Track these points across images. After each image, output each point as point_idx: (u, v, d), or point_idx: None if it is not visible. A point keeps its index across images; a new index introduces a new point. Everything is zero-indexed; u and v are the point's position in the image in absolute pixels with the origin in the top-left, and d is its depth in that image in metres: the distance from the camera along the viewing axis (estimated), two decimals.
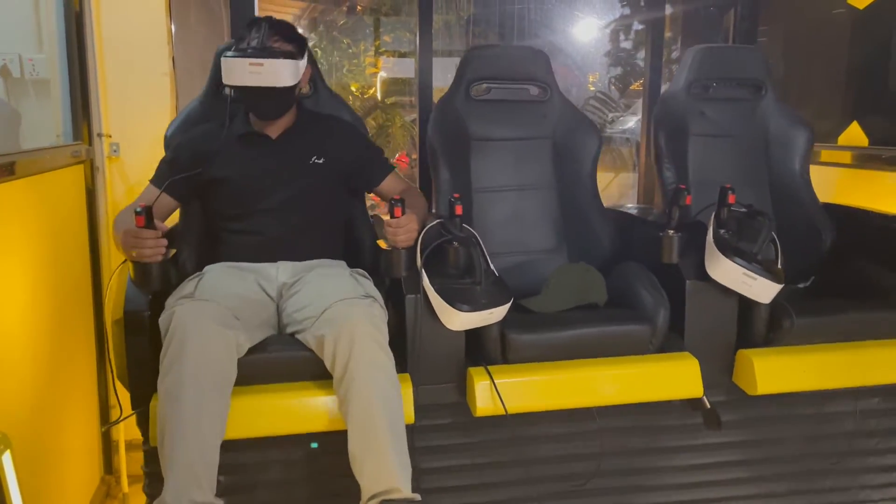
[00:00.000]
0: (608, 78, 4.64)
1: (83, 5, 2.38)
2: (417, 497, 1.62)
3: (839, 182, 2.81)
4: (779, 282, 1.86)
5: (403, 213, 1.81)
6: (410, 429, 1.71)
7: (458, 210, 1.83)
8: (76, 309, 2.30)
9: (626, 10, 4.50)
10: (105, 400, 2.46)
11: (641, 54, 4.21)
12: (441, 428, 1.89)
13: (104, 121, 2.51)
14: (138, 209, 1.70)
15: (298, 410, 1.72)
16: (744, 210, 2.01)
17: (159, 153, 2.09)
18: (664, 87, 3.18)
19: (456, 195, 1.86)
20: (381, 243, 1.94)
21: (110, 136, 2.53)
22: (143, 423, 1.70)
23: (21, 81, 2.47)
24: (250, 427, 1.69)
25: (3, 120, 2.39)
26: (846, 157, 2.85)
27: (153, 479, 1.73)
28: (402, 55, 5.49)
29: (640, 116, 3.72)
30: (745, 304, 1.97)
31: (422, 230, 1.86)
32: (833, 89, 3.06)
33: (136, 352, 1.69)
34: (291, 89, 1.94)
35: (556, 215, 2.41)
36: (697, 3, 3.28)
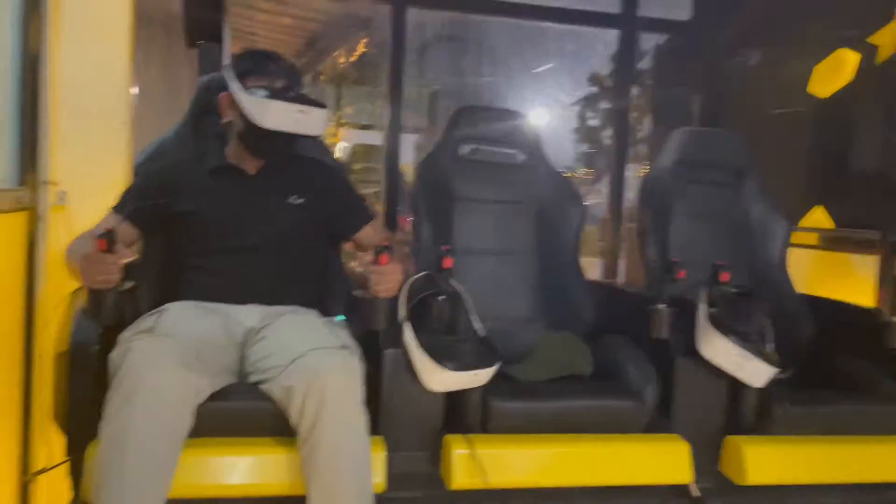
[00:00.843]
0: (575, 154, 4.71)
1: (41, 48, 2.25)
2: None
3: (808, 264, 2.82)
4: (774, 365, 1.79)
5: (390, 262, 1.69)
6: (379, 499, 1.54)
7: (448, 262, 1.73)
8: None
9: (594, 89, 4.62)
10: (26, 450, 2.19)
11: (608, 132, 4.28)
12: (412, 502, 1.71)
13: (52, 167, 2.33)
14: (101, 233, 1.55)
15: (254, 469, 1.54)
16: (734, 290, 1.95)
17: (110, 203, 1.94)
18: (631, 166, 3.23)
19: (446, 247, 1.75)
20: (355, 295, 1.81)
21: (57, 185, 2.36)
22: (76, 473, 1.49)
23: None
24: (198, 486, 1.50)
25: None
26: (813, 238, 2.88)
27: None
28: (364, 128, 5.47)
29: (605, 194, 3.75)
30: (733, 388, 1.88)
31: (405, 281, 1.74)
32: (797, 174, 3.12)
33: (79, 388, 1.51)
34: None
35: (536, 283, 2.32)
36: (665, 86, 3.36)
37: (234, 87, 1.74)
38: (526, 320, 2.27)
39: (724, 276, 1.90)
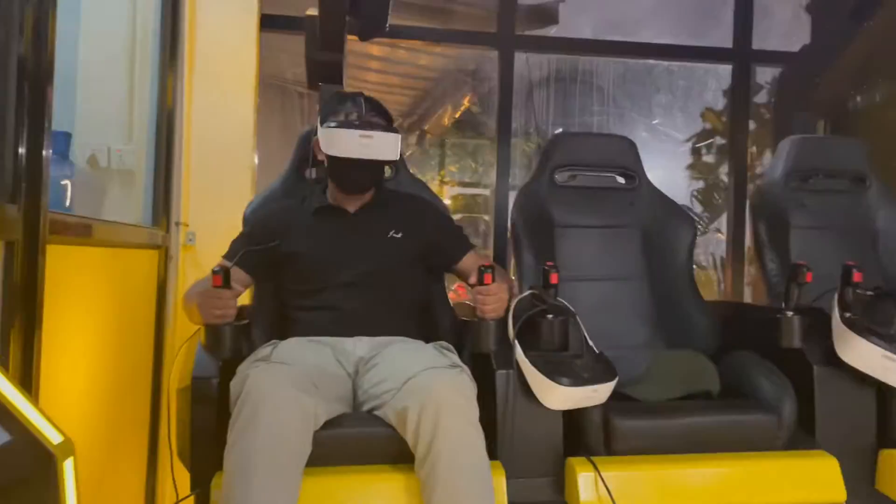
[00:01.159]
0: (690, 191, 4.56)
1: (175, 99, 2.47)
2: None
3: None
4: None
5: (493, 281, 1.66)
6: None
7: (554, 279, 1.69)
8: (133, 389, 2.17)
9: (707, 125, 4.51)
10: (153, 488, 2.25)
11: (723, 168, 4.15)
12: None
13: (183, 210, 2.53)
14: (216, 269, 1.61)
15: (375, 495, 1.50)
16: (870, 293, 1.80)
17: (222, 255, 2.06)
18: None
19: (549, 263, 1.71)
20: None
21: (188, 226, 2.54)
22: None
23: (107, 171, 2.52)
24: None
25: (88, 189, 2.41)
26: None
27: None
28: (467, 185, 5.53)
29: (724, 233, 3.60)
30: (882, 398, 1.71)
31: (511, 301, 1.71)
32: None
33: (201, 422, 1.53)
34: (384, 164, 1.88)
35: (649, 307, 2.22)
36: (787, 113, 3.24)
37: (319, 126, 1.81)
38: (643, 346, 2.17)
39: (857, 277, 1.75)
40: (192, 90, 2.56)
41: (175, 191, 2.48)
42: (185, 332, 2.29)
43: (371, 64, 4.97)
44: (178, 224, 2.49)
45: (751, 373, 1.79)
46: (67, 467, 0.79)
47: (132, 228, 2.23)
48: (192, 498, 1.53)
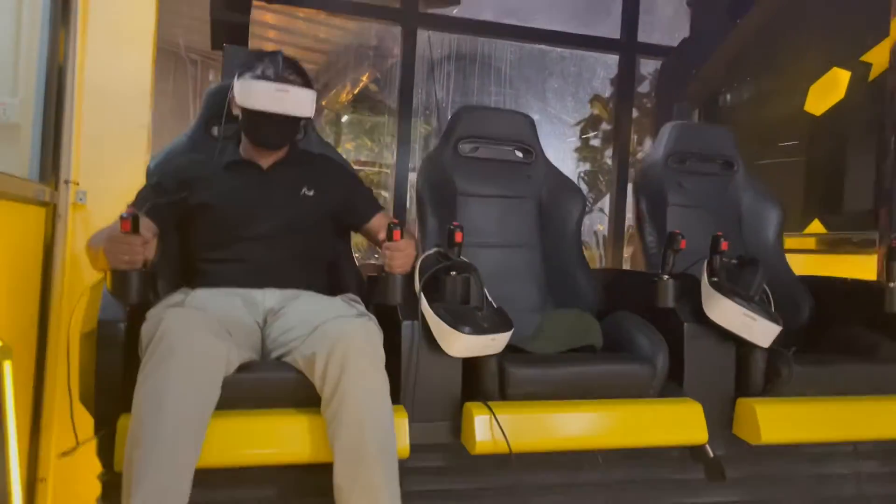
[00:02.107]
0: (577, 173, 4.82)
1: (67, 54, 2.36)
2: None
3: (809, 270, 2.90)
4: (778, 324, 1.85)
5: (402, 237, 1.75)
6: (402, 468, 1.56)
7: (458, 237, 1.79)
8: (14, 349, 2.10)
9: (595, 111, 4.77)
10: (36, 446, 2.20)
11: (608, 152, 4.42)
12: (434, 471, 1.74)
13: (74, 168, 2.42)
14: (125, 214, 1.60)
15: (282, 437, 1.56)
16: (734, 261, 2.02)
17: (127, 203, 2.01)
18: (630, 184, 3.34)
19: (455, 223, 1.82)
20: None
21: (78, 184, 2.45)
22: (106, 448, 1.51)
23: None
24: (224, 455, 1.52)
25: None
26: (811, 243, 2.97)
27: None
28: (363, 164, 5.57)
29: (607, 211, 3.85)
30: (741, 354, 1.94)
31: (417, 257, 1.80)
32: (794, 189, 3.23)
33: (107, 365, 1.53)
34: (299, 121, 1.91)
35: (541, 273, 2.38)
36: (667, 103, 3.50)
37: (236, 79, 1.83)
38: (533, 309, 2.32)
39: (724, 246, 1.96)
40: (86, 45, 2.45)
41: (65, 148, 2.36)
42: (74, 295, 2.23)
43: (269, 34, 4.90)
44: (67, 182, 2.39)
45: (629, 330, 1.97)
46: (6, 368, 0.81)
47: (15, 180, 2.12)
48: (94, 441, 1.53)
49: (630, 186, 3.49)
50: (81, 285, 2.02)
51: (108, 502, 1.53)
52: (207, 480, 1.47)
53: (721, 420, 1.90)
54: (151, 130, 2.58)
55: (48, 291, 2.29)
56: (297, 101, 1.81)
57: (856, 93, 2.98)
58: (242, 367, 1.59)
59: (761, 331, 1.84)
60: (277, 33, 4.84)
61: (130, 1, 2.50)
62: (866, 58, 2.92)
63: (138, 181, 2.38)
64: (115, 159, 2.47)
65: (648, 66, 4.04)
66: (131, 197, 2.00)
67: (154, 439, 1.36)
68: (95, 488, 1.58)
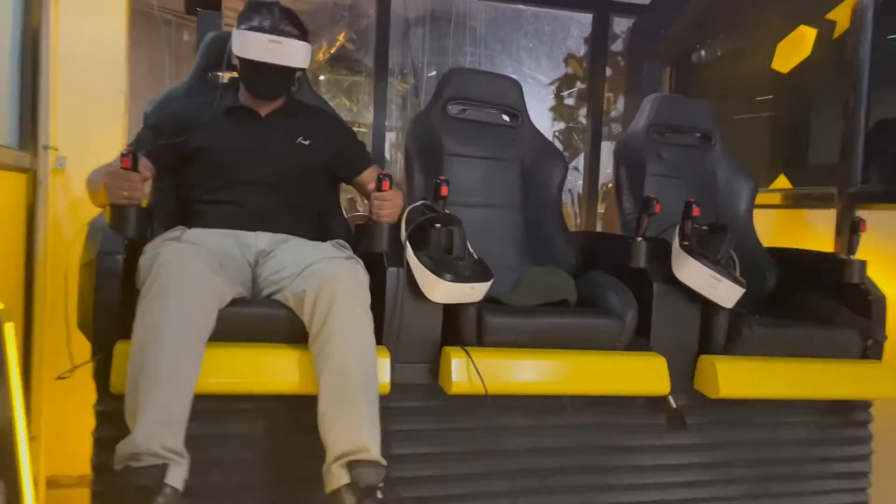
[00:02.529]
0: (552, 132, 4.90)
1: (42, 21, 2.36)
2: (384, 462, 1.56)
3: (773, 223, 3.03)
4: (742, 286, 1.96)
5: (391, 188, 1.83)
6: (382, 408, 1.66)
7: (444, 191, 1.88)
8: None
9: (569, 70, 4.83)
10: (27, 411, 2.26)
11: (583, 111, 4.49)
12: (412, 411, 1.84)
13: (52, 134, 2.44)
14: (125, 151, 1.67)
15: (271, 369, 1.65)
16: (705, 228, 2.13)
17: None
18: (606, 144, 3.44)
19: (442, 177, 1.90)
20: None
21: (57, 150, 2.46)
22: (102, 372, 1.60)
23: None
24: (217, 383, 1.60)
25: None
26: (776, 198, 3.10)
27: (103, 447, 1.60)
28: None
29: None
30: (706, 314, 2.05)
31: (404, 208, 1.89)
32: (762, 145, 3.35)
33: (105, 293, 1.61)
34: (294, 72, 1.97)
35: (521, 234, 2.47)
36: (638, 61, 3.56)
37: (234, 29, 1.89)
38: (512, 268, 2.42)
39: (696, 211, 2.06)
40: (59, 11, 2.44)
41: (42, 113, 2.36)
42: (57, 258, 2.28)
43: None
44: (46, 148, 2.40)
45: (602, 287, 2.08)
46: (9, 329, 0.89)
47: None
48: (91, 364, 1.62)
49: (605, 146, 3.60)
50: (64, 247, 2.06)
51: (103, 433, 1.62)
52: (201, 414, 1.56)
53: (684, 374, 2.02)
54: (128, 95, 2.61)
55: (32, 255, 2.33)
56: (290, 52, 1.87)
57: (821, 50, 3.06)
58: (235, 302, 1.68)
59: (725, 292, 1.95)
60: None
61: None
62: (831, 15, 2.99)
63: (117, 145, 2.43)
64: (93, 124, 2.49)
65: (622, 25, 4.06)
66: (111, 161, 2.05)
67: (156, 365, 1.44)
68: (85, 445, 1.65)
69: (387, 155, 3.96)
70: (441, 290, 1.76)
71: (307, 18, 5.26)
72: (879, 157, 2.69)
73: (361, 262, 1.78)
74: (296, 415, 1.69)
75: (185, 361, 1.48)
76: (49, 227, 2.38)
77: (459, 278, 1.76)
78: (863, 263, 2.22)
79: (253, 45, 1.86)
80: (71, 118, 2.46)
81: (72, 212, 2.43)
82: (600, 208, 3.65)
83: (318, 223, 2.09)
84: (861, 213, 2.43)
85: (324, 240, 1.99)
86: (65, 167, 2.46)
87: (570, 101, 4.95)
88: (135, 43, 2.75)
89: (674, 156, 2.71)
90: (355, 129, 5.52)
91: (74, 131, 2.47)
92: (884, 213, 2.47)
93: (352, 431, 1.54)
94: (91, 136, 2.48)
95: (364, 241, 1.88)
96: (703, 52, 3.73)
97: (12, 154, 2.18)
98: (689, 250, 1.97)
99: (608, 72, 3.85)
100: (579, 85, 4.79)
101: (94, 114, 2.50)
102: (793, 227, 2.96)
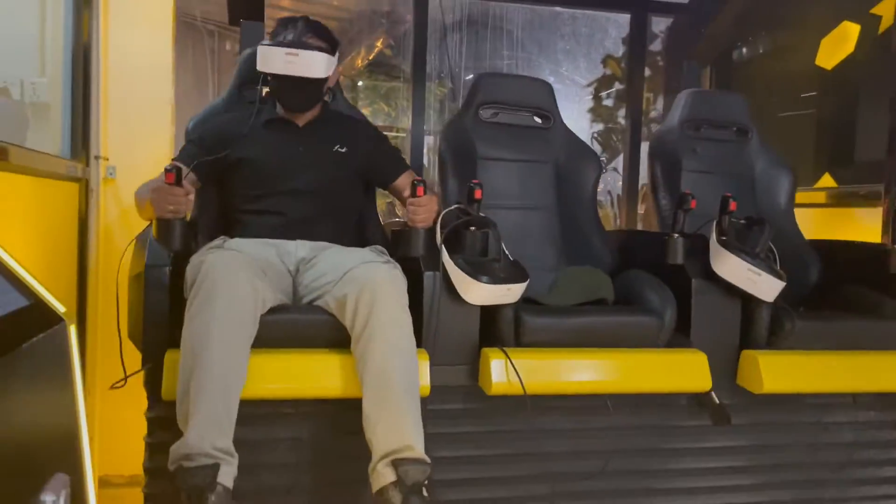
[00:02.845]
0: (591, 134, 4.89)
1: (91, 34, 2.46)
2: (428, 460, 1.59)
3: (818, 222, 2.98)
4: (782, 279, 1.94)
5: (425, 193, 1.86)
6: (423, 410, 1.68)
7: (478, 194, 1.89)
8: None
9: (608, 71, 4.82)
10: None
11: (622, 112, 4.48)
12: (453, 414, 1.86)
13: (103, 144, 2.54)
14: (168, 167, 1.73)
15: (315, 374, 1.69)
16: (743, 222, 2.11)
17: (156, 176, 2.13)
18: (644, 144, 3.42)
19: (476, 181, 1.92)
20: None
21: (108, 160, 2.56)
22: (153, 380, 1.65)
23: (20, 104, 2.50)
24: (264, 389, 1.65)
25: (10, 117, 2.40)
26: (821, 197, 3.05)
27: (155, 451, 1.66)
28: (381, 129, 5.66)
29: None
30: (747, 308, 2.03)
31: (439, 214, 1.92)
32: (806, 143, 3.29)
33: (154, 305, 1.67)
34: (321, 83, 2.01)
35: (558, 235, 2.48)
36: (677, 61, 3.54)
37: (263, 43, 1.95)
38: (550, 269, 2.43)
39: (733, 206, 2.04)
40: (108, 24, 2.54)
41: (94, 125, 2.47)
42: (108, 264, 2.37)
43: (283, 2, 4.98)
44: (97, 158, 2.50)
45: (640, 285, 2.08)
46: (72, 331, 0.94)
47: (50, 158, 2.23)
48: (142, 372, 1.68)
49: (644, 146, 3.58)
50: (115, 253, 2.14)
51: (154, 438, 1.68)
52: (250, 418, 1.62)
53: (726, 370, 2.00)
54: (174, 104, 2.70)
55: (85, 261, 2.43)
56: (307, 64, 1.91)
57: (866, 46, 3.01)
58: (277, 309, 1.73)
59: (765, 286, 1.93)
60: (292, 2, 4.92)
61: None
62: (876, 10, 2.94)
63: (165, 154, 2.52)
64: (141, 134, 2.59)
65: (661, 25, 4.04)
66: (159, 170, 2.11)
67: (206, 368, 1.50)
68: (135, 446, 1.72)
69: (425, 160, 4.01)
70: (477, 292, 1.78)
71: (346, 26, 5.34)
72: None
73: (399, 266, 1.81)
74: (341, 418, 1.73)
75: (232, 363, 1.54)
76: (101, 234, 2.48)
77: (495, 280, 1.78)
78: None
79: (270, 60, 1.91)
80: (120, 128, 2.57)
81: (122, 219, 2.53)
82: (640, 209, 3.63)
83: (357, 230, 2.13)
84: None
85: (362, 246, 2.03)
86: (115, 176, 2.56)
87: (608, 103, 4.93)
88: (179, 54, 2.84)
89: (709, 151, 2.69)
90: (393, 133, 5.60)
91: (124, 141, 2.57)
92: None
93: (395, 430, 1.57)
94: (139, 146, 2.58)
95: (401, 246, 1.91)
96: (744, 50, 3.68)
97: (65, 164, 2.28)
98: (726, 245, 1.96)
99: (647, 72, 3.83)
100: (618, 86, 4.77)
101: (142, 124, 2.60)
102: (839, 226, 2.91)
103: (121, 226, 2.54)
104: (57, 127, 2.44)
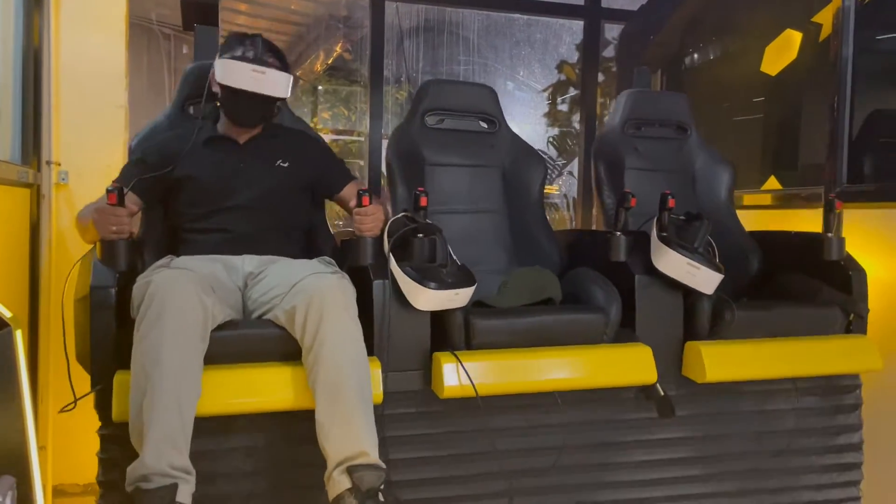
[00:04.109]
0: (547, 138, 4.98)
1: (42, 37, 2.44)
2: (383, 465, 1.61)
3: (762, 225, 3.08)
4: (720, 272, 2.01)
5: (371, 203, 1.89)
6: (377, 415, 1.71)
7: (424, 202, 1.93)
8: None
9: (563, 76, 4.91)
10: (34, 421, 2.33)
11: (577, 116, 4.57)
12: (407, 417, 1.89)
13: (55, 149, 2.52)
14: (111, 187, 1.73)
15: (266, 387, 1.71)
16: (682, 217, 2.18)
17: (108, 182, 2.12)
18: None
19: (420, 189, 1.95)
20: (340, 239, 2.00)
21: (60, 165, 2.54)
22: (103, 401, 1.65)
23: None
24: (216, 404, 1.66)
25: None
26: (766, 199, 3.15)
27: (108, 466, 1.66)
28: (340, 132, 5.67)
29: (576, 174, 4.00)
30: (689, 301, 2.10)
31: (386, 223, 1.94)
32: (752, 147, 3.40)
33: (101, 326, 1.66)
34: (275, 102, 2.03)
35: (506, 237, 2.53)
36: (629, 67, 3.63)
37: (217, 58, 1.95)
38: (500, 271, 2.47)
39: (672, 203, 2.11)
40: (60, 27, 2.53)
41: (45, 129, 2.45)
42: (61, 271, 2.35)
43: (240, 6, 4.96)
44: (49, 163, 2.48)
45: (586, 283, 2.13)
46: (18, 336, 0.95)
47: (0, 164, 2.23)
48: (92, 394, 1.67)
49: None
50: (68, 260, 2.13)
51: (107, 454, 1.68)
52: (205, 431, 1.63)
53: (671, 362, 2.07)
54: (128, 109, 2.69)
55: (37, 268, 2.41)
56: (273, 83, 1.93)
57: (808, 53, 3.12)
58: (226, 325, 1.73)
59: (704, 279, 2.00)
60: (249, 6, 4.91)
61: None
62: (817, 18, 3.06)
63: (118, 160, 2.50)
64: (94, 139, 2.58)
65: (613, 31, 4.15)
66: (112, 175, 2.11)
67: (158, 387, 1.50)
68: (91, 453, 1.71)
69: (384, 163, 4.03)
70: (426, 298, 1.81)
71: (303, 31, 5.33)
72: (864, 156, 2.74)
73: (347, 276, 1.83)
74: (297, 429, 1.74)
75: (186, 379, 1.54)
76: (53, 240, 2.46)
77: (443, 285, 1.81)
78: (841, 241, 2.26)
79: (236, 74, 1.92)
80: (72, 133, 2.55)
81: (75, 225, 2.50)
82: (595, 211, 3.70)
83: (305, 242, 2.14)
84: (848, 212, 2.46)
85: (312, 257, 2.05)
86: (67, 181, 2.54)
87: (563, 107, 5.03)
88: (134, 57, 2.83)
89: (651, 149, 2.76)
90: (353, 137, 5.62)
91: (76, 146, 2.55)
92: (869, 212, 2.52)
93: (349, 437, 1.60)
94: (92, 151, 2.56)
95: (350, 255, 1.93)
96: (695, 56, 3.79)
97: (15, 169, 2.25)
98: (666, 241, 2.02)
99: (601, 77, 3.91)
100: (573, 91, 4.87)
101: (94, 128, 2.58)
102: (782, 228, 3.00)
103: (73, 232, 2.50)
104: (7, 132, 2.42)
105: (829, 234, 2.26)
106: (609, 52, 4.33)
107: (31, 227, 2.40)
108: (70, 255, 2.41)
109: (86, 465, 1.82)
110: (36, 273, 2.41)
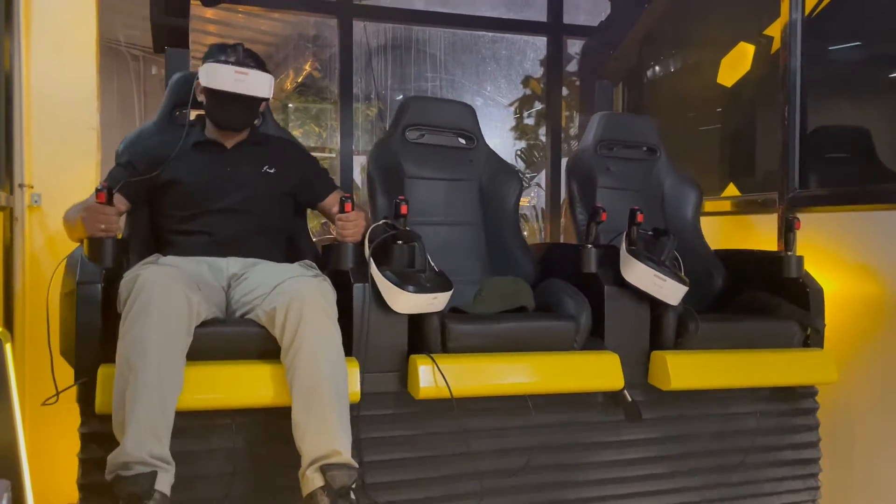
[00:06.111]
0: (514, 151, 5.11)
1: (13, 61, 2.44)
2: (356, 464, 1.66)
3: (722, 229, 3.20)
4: (685, 284, 2.11)
5: (353, 209, 1.96)
6: (353, 416, 1.77)
7: (404, 209, 2.00)
8: None
9: (528, 91, 5.05)
10: None
11: (543, 129, 4.70)
12: (383, 419, 1.94)
13: (27, 171, 2.51)
14: (99, 186, 1.78)
15: (246, 384, 1.75)
16: (650, 233, 2.28)
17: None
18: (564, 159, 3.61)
19: (401, 197, 2.03)
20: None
21: (32, 187, 2.54)
22: (87, 394, 1.69)
23: None
24: (197, 399, 1.70)
25: None
26: (725, 205, 3.29)
27: (89, 467, 1.69)
28: (312, 150, 5.74)
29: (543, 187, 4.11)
30: (656, 312, 2.19)
31: (367, 229, 2.01)
32: (711, 155, 3.54)
33: (86, 321, 1.70)
34: (259, 104, 2.10)
35: (482, 249, 2.61)
36: (591, 81, 3.76)
37: (201, 65, 2.02)
38: (475, 282, 2.55)
39: (640, 218, 2.21)
40: (31, 50, 2.53)
41: (17, 152, 2.44)
42: (35, 292, 2.36)
43: (209, 28, 5.02)
44: (21, 186, 2.47)
45: (557, 293, 2.22)
46: (8, 350, 1.00)
47: None
48: (75, 388, 1.71)
49: (564, 162, 3.77)
50: (42, 281, 2.13)
51: (87, 455, 1.71)
52: (185, 430, 1.67)
53: (638, 370, 2.15)
54: (100, 130, 2.71)
55: (11, 289, 2.41)
56: (256, 83, 2.00)
57: (761, 64, 3.27)
58: (209, 322, 1.78)
59: (671, 291, 2.10)
60: (218, 27, 4.97)
61: (71, 5, 2.56)
62: (768, 31, 3.21)
63: (91, 181, 2.52)
64: (66, 161, 2.57)
65: (576, 46, 4.27)
66: (85, 196, 2.11)
67: (142, 378, 1.55)
68: (69, 474, 1.74)
69: (356, 177, 4.10)
70: (404, 302, 1.87)
71: (272, 50, 5.40)
72: (815, 162, 2.88)
73: (328, 279, 1.89)
74: (275, 427, 1.79)
75: (169, 371, 1.59)
76: (27, 262, 2.46)
77: (421, 289, 1.88)
78: (800, 259, 2.38)
79: (221, 77, 1.99)
80: (45, 156, 2.54)
81: (49, 247, 2.51)
82: (562, 221, 3.81)
83: (287, 247, 2.20)
84: (800, 216, 2.59)
85: (292, 262, 2.11)
86: (40, 203, 2.54)
87: (530, 121, 5.17)
88: (104, 79, 2.85)
89: (622, 169, 2.87)
90: (325, 154, 5.68)
91: (48, 168, 2.54)
92: (820, 215, 2.65)
93: (323, 436, 1.65)
94: (65, 173, 2.55)
95: (331, 260, 1.99)
96: (656, 69, 3.94)
97: None
98: (634, 254, 2.12)
99: (565, 91, 4.04)
100: (538, 105, 5.02)
101: (67, 151, 2.57)
102: (741, 232, 3.13)
103: (47, 253, 2.52)
104: None
105: (789, 253, 2.38)
106: (573, 66, 4.47)
107: (5, 249, 2.40)
108: (44, 276, 2.38)
109: (65, 485, 1.82)
110: (10, 295, 2.40)
